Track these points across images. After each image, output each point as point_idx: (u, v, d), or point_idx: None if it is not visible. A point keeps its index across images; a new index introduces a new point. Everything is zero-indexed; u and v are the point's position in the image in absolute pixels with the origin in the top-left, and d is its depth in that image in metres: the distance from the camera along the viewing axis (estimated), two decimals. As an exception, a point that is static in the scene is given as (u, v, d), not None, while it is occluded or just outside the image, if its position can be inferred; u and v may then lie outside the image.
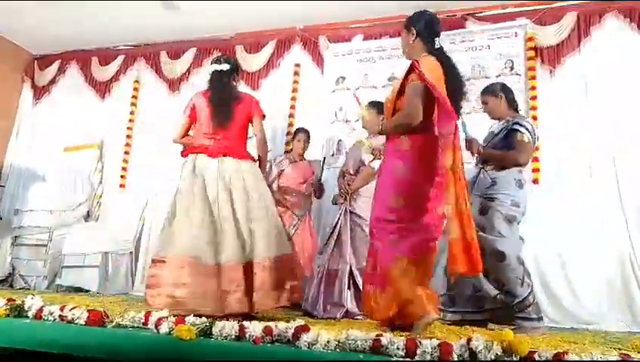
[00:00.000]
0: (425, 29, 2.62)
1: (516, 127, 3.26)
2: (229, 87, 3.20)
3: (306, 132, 4.60)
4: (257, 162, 3.23)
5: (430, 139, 2.51)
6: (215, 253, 2.83)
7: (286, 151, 4.94)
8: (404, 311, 2.45)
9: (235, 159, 3.07)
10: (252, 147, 3.27)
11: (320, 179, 4.35)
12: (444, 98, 2.35)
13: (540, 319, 3.12)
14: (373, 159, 3.72)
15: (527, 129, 3.24)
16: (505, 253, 3.12)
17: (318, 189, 4.36)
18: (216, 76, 3.20)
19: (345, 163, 4.11)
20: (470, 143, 3.26)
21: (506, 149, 3.26)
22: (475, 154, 3.33)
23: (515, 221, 3.21)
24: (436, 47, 2.59)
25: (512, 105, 3.45)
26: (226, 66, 3.20)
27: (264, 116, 3.25)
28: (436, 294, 2.62)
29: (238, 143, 3.16)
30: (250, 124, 3.23)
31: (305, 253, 4.19)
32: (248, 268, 2.84)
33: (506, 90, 3.47)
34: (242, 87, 5.80)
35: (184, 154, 3.18)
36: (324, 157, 4.65)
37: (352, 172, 3.92)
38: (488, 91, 3.49)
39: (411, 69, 2.52)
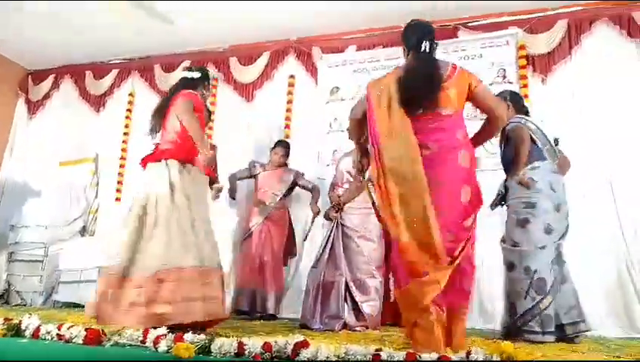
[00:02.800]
0: (408, 38, 2.58)
1: (508, 126, 3.30)
2: (175, 91, 3.09)
3: (285, 144, 4.93)
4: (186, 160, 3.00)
5: None
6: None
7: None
8: None
9: (161, 162, 2.93)
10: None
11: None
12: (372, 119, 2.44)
13: (545, 333, 2.99)
14: None
15: (515, 123, 3.27)
16: (514, 263, 3.13)
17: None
18: (180, 81, 3.16)
19: (335, 176, 4.12)
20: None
21: (512, 152, 3.29)
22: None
23: (529, 223, 3.14)
24: (422, 49, 2.51)
25: (520, 109, 3.44)
26: (196, 74, 3.15)
27: (195, 110, 2.97)
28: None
29: (166, 144, 3.00)
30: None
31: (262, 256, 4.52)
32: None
33: (514, 97, 3.49)
34: (237, 98, 5.86)
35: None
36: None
37: (341, 185, 3.92)
38: None
39: None
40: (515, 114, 3.41)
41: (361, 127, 2.62)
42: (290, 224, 4.85)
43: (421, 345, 2.16)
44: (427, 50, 2.50)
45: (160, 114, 3.09)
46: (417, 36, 2.54)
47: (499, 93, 3.57)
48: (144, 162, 3.06)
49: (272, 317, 4.44)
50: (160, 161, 2.95)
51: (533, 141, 3.28)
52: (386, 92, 2.44)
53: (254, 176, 4.89)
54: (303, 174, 4.87)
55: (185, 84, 3.13)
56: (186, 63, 6.11)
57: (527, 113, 3.48)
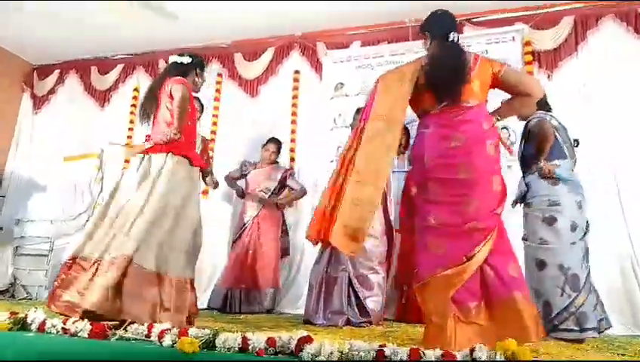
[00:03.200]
0: (433, 28, 2.59)
1: (531, 122, 3.27)
2: (164, 76, 2.97)
3: (276, 142, 4.93)
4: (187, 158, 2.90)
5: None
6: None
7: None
8: None
9: (160, 154, 2.80)
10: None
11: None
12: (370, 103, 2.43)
13: (583, 330, 2.95)
14: None
15: (539, 118, 3.23)
16: (545, 261, 3.06)
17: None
18: (170, 65, 3.04)
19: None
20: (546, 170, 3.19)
21: (532, 148, 3.26)
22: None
23: (556, 222, 3.09)
24: (450, 39, 2.50)
25: (544, 106, 3.39)
26: (186, 59, 3.02)
27: (185, 100, 2.85)
28: None
29: (155, 136, 2.86)
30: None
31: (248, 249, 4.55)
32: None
33: None
34: (241, 94, 5.86)
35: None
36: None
37: None
38: None
39: None
40: (537, 110, 3.36)
41: None
42: (284, 223, 4.88)
43: (430, 341, 2.16)
44: (455, 40, 2.50)
45: (150, 102, 2.97)
46: (447, 27, 2.53)
47: None
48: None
49: (268, 312, 4.48)
50: (147, 153, 2.83)
51: (555, 138, 3.24)
52: (398, 78, 2.45)
53: (245, 176, 4.92)
54: (293, 174, 4.93)
55: (175, 69, 3.01)
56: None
57: (549, 110, 3.44)
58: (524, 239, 3.23)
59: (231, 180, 4.99)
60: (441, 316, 2.21)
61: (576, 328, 2.95)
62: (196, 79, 3.09)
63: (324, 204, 2.33)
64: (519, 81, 2.48)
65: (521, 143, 3.46)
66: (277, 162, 4.98)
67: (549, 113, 3.35)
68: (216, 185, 4.50)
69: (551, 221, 3.11)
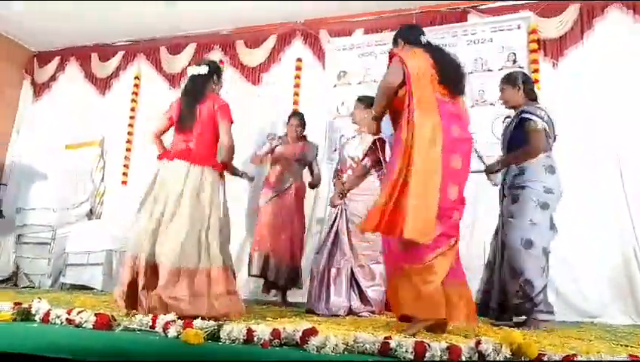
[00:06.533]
0: (407, 34, 2.79)
1: (526, 115, 3.21)
2: (198, 89, 3.09)
3: (299, 116, 4.64)
4: (219, 170, 3.11)
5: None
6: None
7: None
8: None
9: (195, 166, 2.96)
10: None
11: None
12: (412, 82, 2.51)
13: (550, 312, 3.12)
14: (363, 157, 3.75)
15: (537, 116, 3.19)
16: (534, 241, 3.08)
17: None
18: (191, 79, 3.15)
19: (338, 162, 4.07)
20: (488, 173, 3.41)
21: (521, 141, 3.22)
22: (495, 173, 3.40)
23: (548, 208, 3.15)
24: (423, 43, 2.71)
25: (530, 95, 3.37)
26: (204, 69, 3.13)
27: (231, 121, 3.08)
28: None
29: (201, 149, 3.02)
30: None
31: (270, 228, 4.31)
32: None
33: (526, 80, 3.43)
34: (243, 82, 5.81)
35: (158, 158, 3.13)
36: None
37: (345, 171, 3.88)
38: (507, 80, 3.42)
39: (390, 59, 2.69)
40: (525, 98, 3.35)
41: (391, 96, 2.66)
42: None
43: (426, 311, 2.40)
44: (429, 42, 2.73)
45: (193, 115, 3.03)
46: (417, 30, 2.80)
47: (510, 73, 3.53)
48: (182, 155, 3.00)
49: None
50: (196, 164, 2.98)
51: (547, 135, 3.22)
52: (421, 68, 2.55)
53: (273, 150, 4.61)
54: (317, 155, 4.65)
55: (197, 81, 3.11)
56: (193, 46, 6.08)
57: (535, 99, 3.40)
58: (510, 217, 3.20)
59: (260, 158, 4.64)
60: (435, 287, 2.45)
61: (547, 310, 3.10)
62: (214, 86, 3.20)
63: (385, 201, 2.45)
64: None
65: (508, 128, 3.41)
66: (305, 137, 4.65)
67: (540, 107, 3.27)
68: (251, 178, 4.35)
69: (544, 206, 3.14)
